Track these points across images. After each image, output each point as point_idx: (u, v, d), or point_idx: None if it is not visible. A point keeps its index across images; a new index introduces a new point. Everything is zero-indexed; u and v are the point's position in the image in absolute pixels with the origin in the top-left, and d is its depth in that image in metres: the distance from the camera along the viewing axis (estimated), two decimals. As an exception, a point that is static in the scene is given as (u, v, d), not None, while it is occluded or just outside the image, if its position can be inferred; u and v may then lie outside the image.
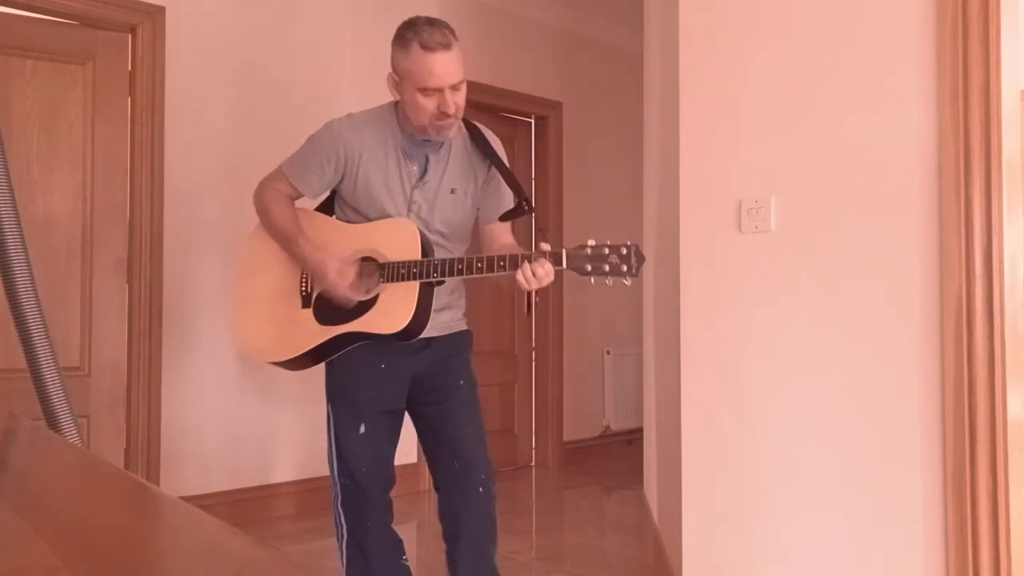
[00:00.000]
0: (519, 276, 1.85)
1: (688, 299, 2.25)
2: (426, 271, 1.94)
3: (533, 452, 4.95)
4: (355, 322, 2.01)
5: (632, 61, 5.00)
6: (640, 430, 4.36)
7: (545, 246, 1.87)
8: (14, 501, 0.53)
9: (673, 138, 2.40)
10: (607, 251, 1.84)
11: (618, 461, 4.95)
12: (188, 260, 3.46)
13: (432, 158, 2.08)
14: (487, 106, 4.53)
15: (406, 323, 1.96)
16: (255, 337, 2.20)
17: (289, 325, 2.10)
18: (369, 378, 2.09)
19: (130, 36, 3.35)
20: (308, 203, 2.22)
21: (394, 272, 1.98)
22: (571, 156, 5.04)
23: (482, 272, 1.92)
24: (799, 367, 1.97)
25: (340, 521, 2.19)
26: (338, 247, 2.05)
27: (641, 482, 4.01)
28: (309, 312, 2.09)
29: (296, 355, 2.08)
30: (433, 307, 2.04)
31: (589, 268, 1.85)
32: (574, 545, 3.40)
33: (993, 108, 1.64)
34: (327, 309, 2.06)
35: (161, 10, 3.38)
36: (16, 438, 0.77)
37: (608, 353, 5.22)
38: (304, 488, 3.78)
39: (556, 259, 1.85)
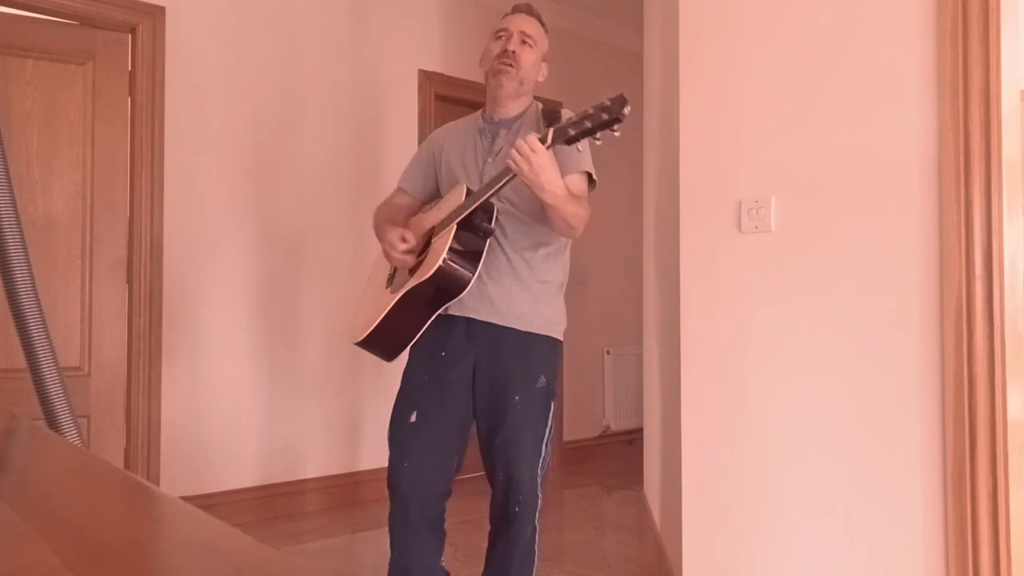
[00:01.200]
0: (509, 161, 1.86)
1: (688, 299, 2.25)
2: (459, 211, 1.97)
3: (533, 452, 4.95)
4: (410, 280, 2.04)
5: (632, 61, 5.00)
6: (640, 430, 4.36)
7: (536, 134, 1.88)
8: (14, 501, 0.53)
9: (673, 138, 2.40)
10: (590, 110, 1.81)
11: (618, 461, 4.95)
12: (188, 260, 3.46)
13: (504, 132, 2.17)
14: (487, 106, 4.53)
15: (439, 262, 1.92)
16: (351, 323, 2.31)
17: (374, 304, 2.18)
18: (429, 363, 2.12)
19: (130, 36, 3.35)
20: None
21: (440, 226, 2.05)
22: (571, 156, 5.03)
23: (496, 185, 1.92)
24: (799, 367, 1.97)
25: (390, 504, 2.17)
26: (416, 228, 2.19)
27: (641, 482, 4.01)
28: (388, 289, 2.18)
29: (371, 328, 2.09)
30: (510, 282, 2.06)
31: (572, 132, 1.82)
32: (574, 545, 3.40)
33: (993, 108, 1.64)
34: (399, 281, 2.13)
35: (161, 10, 3.38)
36: (16, 438, 0.77)
37: (608, 353, 5.22)
38: (304, 488, 3.78)
39: (542, 140, 1.84)
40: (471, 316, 2.08)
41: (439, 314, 2.06)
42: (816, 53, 1.96)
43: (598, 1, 4.94)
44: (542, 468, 2.10)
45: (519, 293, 2.08)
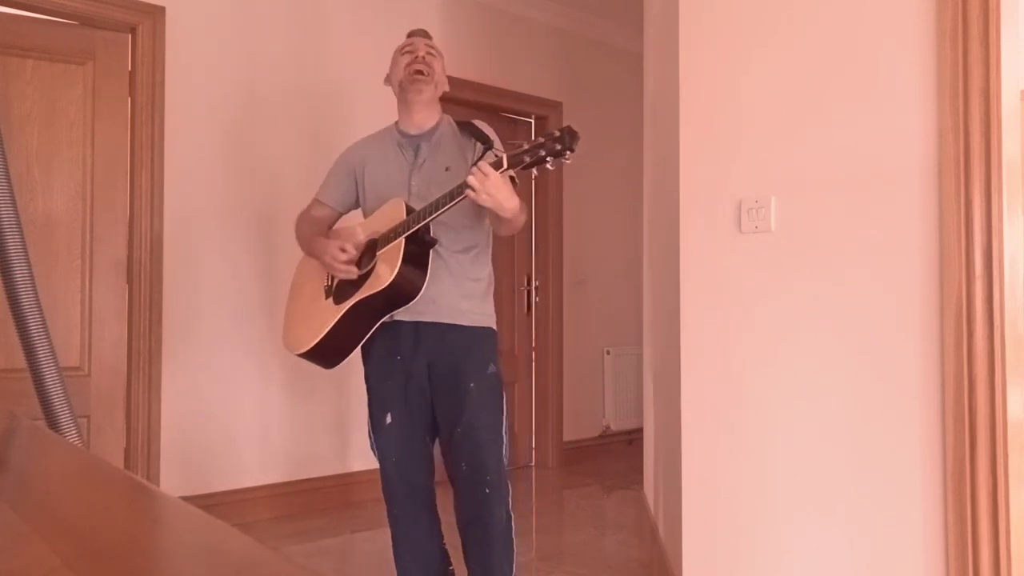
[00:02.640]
0: (467, 192, 1.97)
1: (688, 299, 2.25)
2: (406, 225, 2.10)
3: (533, 452, 4.95)
4: (359, 291, 2.17)
5: (632, 61, 5.00)
6: (640, 430, 4.36)
7: (488, 159, 2.02)
8: (14, 501, 0.53)
9: (673, 138, 2.40)
10: (542, 139, 1.96)
11: (618, 461, 4.95)
12: (188, 260, 3.46)
13: (424, 145, 2.31)
14: (487, 106, 4.53)
15: (393, 275, 2.07)
16: (290, 336, 2.40)
17: (316, 316, 2.29)
18: (388, 369, 2.26)
19: (130, 36, 3.35)
20: (348, 220, 2.50)
21: (384, 239, 2.16)
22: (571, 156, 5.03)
23: (447, 204, 2.03)
24: (799, 367, 1.97)
25: (385, 502, 2.33)
26: (349, 238, 2.29)
27: (641, 482, 4.01)
28: (330, 300, 2.28)
29: (319, 338, 2.22)
30: (447, 283, 2.18)
31: (528, 159, 1.95)
32: (574, 545, 3.40)
33: (993, 108, 1.64)
34: (342, 292, 2.24)
35: (161, 10, 3.38)
36: (16, 438, 0.77)
37: (608, 353, 5.22)
38: (304, 488, 3.78)
39: (497, 164, 1.98)
40: (418, 319, 2.21)
41: (383, 320, 2.21)
42: (816, 53, 1.96)
43: (598, 1, 4.94)
44: (506, 455, 2.24)
45: (458, 293, 2.22)
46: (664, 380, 2.80)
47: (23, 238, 0.83)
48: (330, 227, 2.46)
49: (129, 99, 3.35)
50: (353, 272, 2.20)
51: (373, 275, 2.16)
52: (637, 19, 4.18)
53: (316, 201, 2.48)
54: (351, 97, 4.00)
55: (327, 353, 2.28)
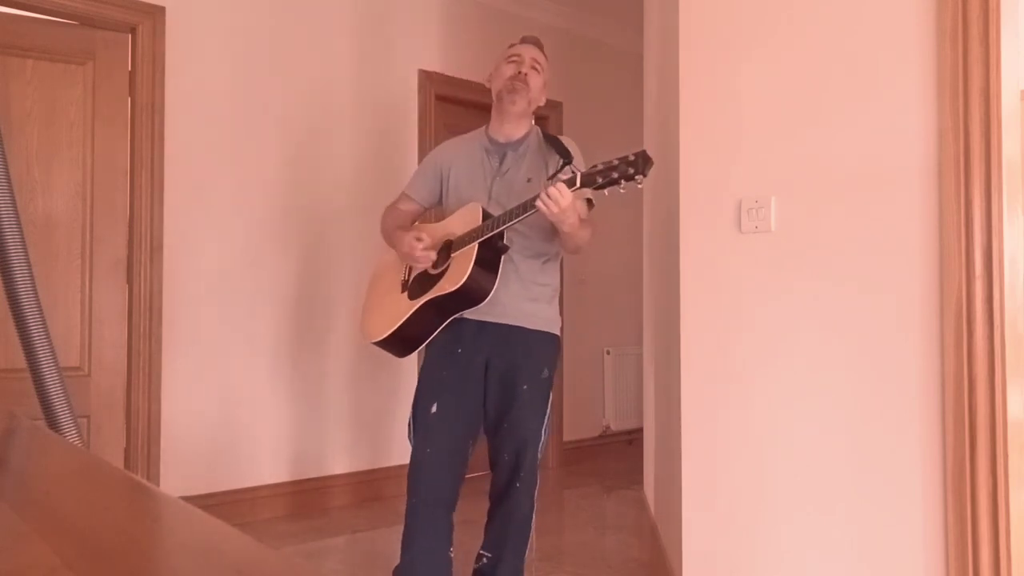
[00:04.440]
0: (539, 204, 2.06)
1: (688, 299, 2.25)
2: (481, 231, 2.21)
3: (533, 452, 4.95)
4: (432, 290, 2.27)
5: (632, 61, 5.00)
6: (640, 430, 4.36)
7: (563, 175, 2.10)
8: (14, 501, 0.53)
9: (673, 138, 2.40)
10: (616, 162, 2.04)
11: (618, 461, 4.95)
12: (188, 260, 3.46)
13: (511, 154, 2.41)
14: (487, 106, 4.51)
15: (465, 277, 2.17)
16: (367, 324, 2.49)
17: (391, 307, 2.39)
18: (446, 361, 2.34)
19: (130, 36, 3.35)
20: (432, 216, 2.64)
21: (460, 242, 2.27)
22: (571, 156, 5.03)
23: (520, 215, 2.13)
24: (799, 367, 1.97)
25: (407, 492, 2.38)
26: (429, 232, 2.39)
27: (641, 482, 4.01)
28: (405, 294, 2.38)
29: (393, 330, 2.33)
30: (515, 286, 2.28)
31: (600, 180, 2.04)
32: (574, 545, 3.40)
33: (993, 108, 1.64)
34: (416, 288, 2.34)
35: (161, 10, 3.38)
36: (16, 438, 0.77)
37: (608, 353, 5.22)
38: (303, 488, 3.78)
39: (571, 182, 2.06)
40: (483, 319, 2.30)
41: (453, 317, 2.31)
42: (816, 53, 1.96)
43: (598, 1, 4.94)
44: (541, 451, 2.38)
45: (524, 296, 2.32)
46: (664, 380, 2.80)
47: (23, 238, 0.83)
48: (415, 220, 2.57)
49: (129, 99, 3.35)
50: (429, 260, 2.31)
51: (446, 275, 2.27)
52: (637, 19, 4.18)
53: (404, 195, 2.58)
54: (351, 97, 4.00)
55: (399, 343, 2.38)
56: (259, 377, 3.67)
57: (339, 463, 3.91)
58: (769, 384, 2.03)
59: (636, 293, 4.61)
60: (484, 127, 2.52)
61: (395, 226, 2.51)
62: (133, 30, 3.34)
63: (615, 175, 2.02)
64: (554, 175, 2.20)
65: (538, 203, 2.06)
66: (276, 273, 3.74)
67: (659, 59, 3.04)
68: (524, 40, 2.52)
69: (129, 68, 3.35)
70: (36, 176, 3.14)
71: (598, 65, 5.24)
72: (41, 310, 0.84)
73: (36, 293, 0.84)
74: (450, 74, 4.39)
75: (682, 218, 2.28)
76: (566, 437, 4.97)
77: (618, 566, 3.06)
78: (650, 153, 2.06)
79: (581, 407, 5.08)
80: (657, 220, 3.12)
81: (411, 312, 2.30)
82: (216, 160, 3.56)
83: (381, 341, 2.38)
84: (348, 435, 3.94)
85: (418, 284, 2.35)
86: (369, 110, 4.07)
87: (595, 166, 2.06)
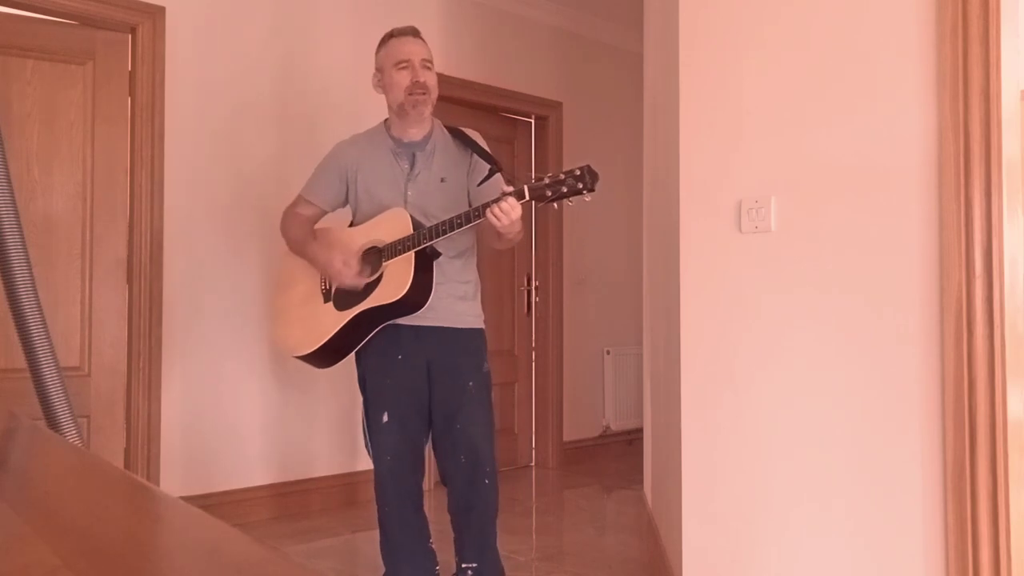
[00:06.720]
0: (488, 215, 2.07)
1: (688, 299, 2.25)
2: (417, 240, 2.19)
3: (533, 452, 4.95)
4: (366, 300, 2.25)
5: (632, 61, 5.00)
6: (640, 430, 4.35)
7: (509, 188, 2.10)
8: (14, 501, 0.53)
9: (673, 138, 2.40)
10: (563, 176, 2.07)
11: (618, 461, 4.95)
12: (188, 260, 3.46)
13: (419, 155, 2.37)
14: (487, 106, 4.53)
15: (406, 288, 2.18)
16: (287, 337, 2.47)
17: (314, 319, 2.36)
18: (388, 367, 2.33)
19: (130, 36, 3.35)
20: (331, 219, 2.56)
21: (392, 250, 2.25)
22: (571, 156, 5.03)
23: (461, 225, 2.14)
24: (799, 367, 1.97)
25: (377, 502, 2.42)
26: (345, 245, 2.35)
27: (641, 482, 4.01)
28: (330, 305, 2.35)
29: (323, 342, 2.31)
30: (442, 288, 2.27)
31: (549, 194, 2.07)
32: (574, 545, 3.40)
33: (993, 108, 1.64)
34: (344, 298, 2.32)
35: (161, 10, 3.38)
36: (16, 438, 0.77)
37: (608, 353, 5.22)
38: (304, 488, 3.78)
39: (519, 195, 2.08)
40: (418, 324, 2.30)
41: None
42: (816, 53, 1.96)
43: (598, 1, 4.94)
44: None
45: (453, 296, 2.33)
46: (664, 380, 2.80)
47: (23, 238, 0.83)
48: (315, 224, 2.53)
49: (129, 99, 3.34)
50: (361, 285, 2.28)
51: (381, 285, 2.25)
52: (637, 19, 4.18)
53: (303, 199, 2.51)
54: (351, 97, 4.00)
55: (326, 355, 2.36)
56: (260, 376, 3.67)
57: (340, 463, 3.91)
58: (769, 384, 2.03)
59: (636, 293, 4.61)
60: (383, 126, 2.46)
61: (305, 235, 2.46)
62: (133, 30, 3.34)
63: (564, 189, 2.05)
64: (483, 182, 2.23)
65: (489, 216, 2.07)
66: (276, 272, 3.74)
67: (659, 59, 3.04)
68: (400, 34, 2.40)
69: (129, 68, 3.35)
70: (36, 176, 3.14)
71: (598, 65, 5.24)
72: (41, 310, 0.84)
73: (36, 293, 0.84)
74: (450, 74, 4.38)
75: (682, 218, 2.28)
76: (566, 437, 4.97)
77: (618, 566, 3.06)
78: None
79: (581, 407, 5.08)
80: (657, 220, 3.12)
81: (342, 324, 2.28)
82: (216, 160, 3.56)
83: (307, 355, 2.36)
84: (350, 434, 3.94)
85: (346, 294, 2.32)
86: (369, 109, 4.07)
87: (542, 179, 2.09)
